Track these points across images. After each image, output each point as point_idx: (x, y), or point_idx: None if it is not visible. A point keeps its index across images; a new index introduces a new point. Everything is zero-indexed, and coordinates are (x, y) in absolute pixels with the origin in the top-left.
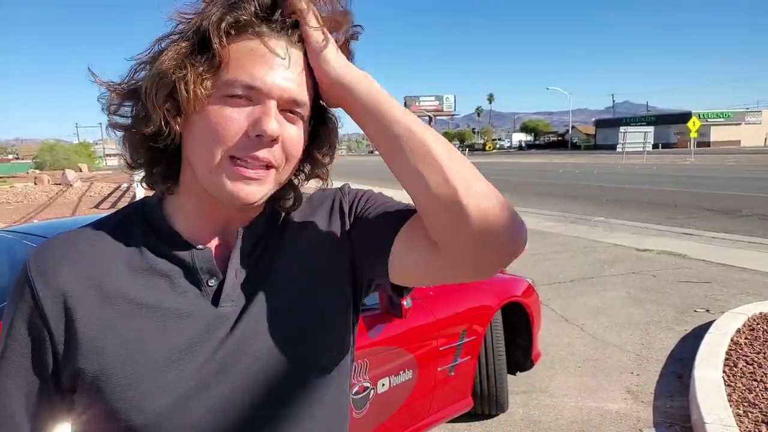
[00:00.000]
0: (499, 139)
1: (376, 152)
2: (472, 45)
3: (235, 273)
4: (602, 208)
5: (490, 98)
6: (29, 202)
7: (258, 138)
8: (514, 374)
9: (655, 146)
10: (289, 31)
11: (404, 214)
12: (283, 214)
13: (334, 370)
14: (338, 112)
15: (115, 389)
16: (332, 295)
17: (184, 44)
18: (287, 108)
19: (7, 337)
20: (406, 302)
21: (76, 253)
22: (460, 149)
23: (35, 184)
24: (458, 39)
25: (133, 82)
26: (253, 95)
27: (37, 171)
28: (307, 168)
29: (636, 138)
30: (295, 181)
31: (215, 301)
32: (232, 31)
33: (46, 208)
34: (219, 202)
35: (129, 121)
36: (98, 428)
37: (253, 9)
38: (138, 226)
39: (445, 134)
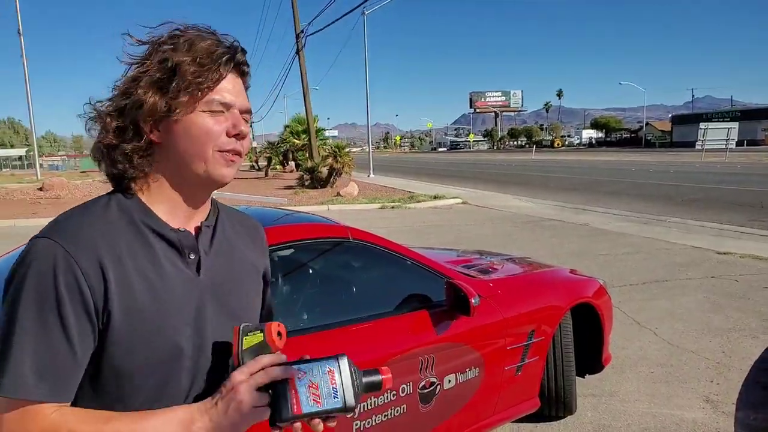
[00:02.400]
0: (568, 136)
1: (440, 149)
2: (541, 39)
3: (205, 252)
4: (678, 208)
5: (560, 94)
6: None
7: (236, 136)
8: (583, 377)
9: (739, 143)
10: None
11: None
12: (217, 213)
13: None
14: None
15: (140, 327)
16: (255, 285)
17: (158, 75)
18: (245, 115)
19: (44, 299)
20: (475, 300)
21: (92, 231)
22: (527, 146)
23: None
24: (527, 32)
25: (122, 106)
26: (226, 108)
27: None
28: None
29: (718, 135)
30: None
31: (197, 270)
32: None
33: None
34: (200, 186)
35: (112, 137)
36: (130, 359)
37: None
38: (125, 211)
39: (512, 131)
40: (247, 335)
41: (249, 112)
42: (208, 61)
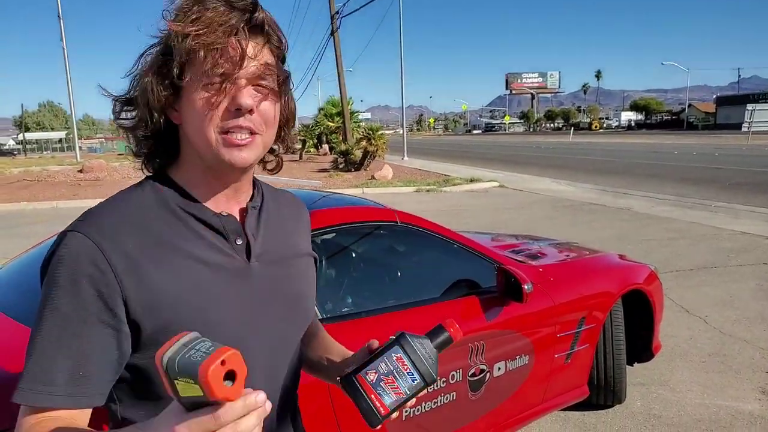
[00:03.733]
0: (607, 118)
1: (474, 132)
2: (579, 18)
3: (253, 236)
4: (725, 192)
5: (598, 75)
6: None
7: (237, 111)
8: (632, 365)
9: None
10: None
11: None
12: (262, 194)
13: (304, 325)
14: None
15: (190, 323)
16: (310, 276)
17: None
18: (255, 83)
19: (74, 297)
20: (528, 286)
21: (122, 221)
22: (565, 128)
23: None
24: (565, 11)
25: (134, 92)
26: (224, 79)
27: None
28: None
29: (766, 116)
30: (276, 148)
31: (247, 257)
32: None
33: None
34: (222, 170)
35: (132, 122)
36: None
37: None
38: (162, 197)
39: (549, 112)
40: (177, 379)
41: (262, 77)
42: (211, 32)
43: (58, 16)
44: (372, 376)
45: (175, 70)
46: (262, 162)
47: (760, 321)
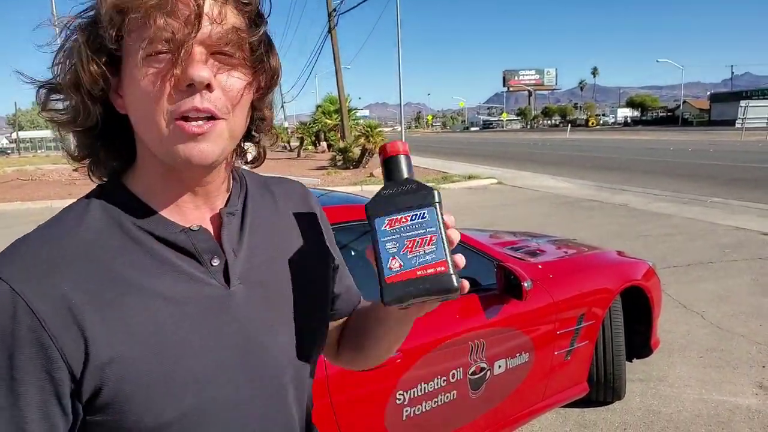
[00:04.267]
0: (603, 115)
1: (472, 129)
2: (575, 15)
3: (234, 252)
4: (720, 188)
5: (594, 72)
6: None
7: (191, 87)
8: (630, 361)
9: None
10: None
11: (355, 301)
12: (245, 191)
13: (319, 346)
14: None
15: (145, 389)
16: (319, 271)
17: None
18: (216, 51)
19: (8, 367)
20: (527, 284)
21: (58, 255)
22: (562, 125)
23: None
24: (561, 9)
25: (59, 73)
26: (174, 46)
27: None
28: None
29: (759, 113)
30: (256, 135)
31: (226, 280)
32: None
33: None
34: (183, 172)
35: (65, 115)
36: (146, 424)
37: None
38: (111, 214)
39: (546, 109)
40: None
41: (227, 42)
42: None
43: (52, 14)
44: (396, 265)
45: (108, 35)
46: (239, 152)
47: (756, 316)
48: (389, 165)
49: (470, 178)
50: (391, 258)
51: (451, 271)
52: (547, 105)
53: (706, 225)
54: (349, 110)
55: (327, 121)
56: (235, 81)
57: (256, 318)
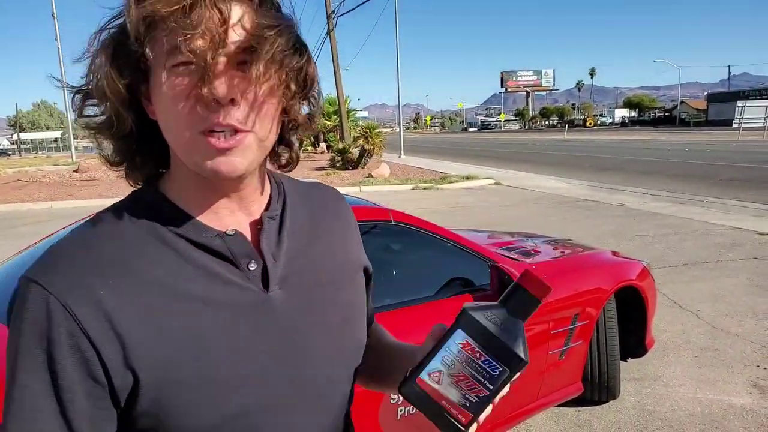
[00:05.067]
0: (601, 115)
1: (471, 129)
2: (573, 16)
3: (273, 257)
4: (716, 188)
5: (592, 72)
6: None
7: (215, 102)
8: (625, 360)
9: None
10: None
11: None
12: (284, 196)
13: (358, 353)
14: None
15: (184, 393)
16: (357, 284)
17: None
18: (242, 61)
19: (48, 371)
20: None
21: (94, 260)
22: (559, 125)
23: None
24: (559, 10)
25: (91, 79)
26: (197, 59)
27: None
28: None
29: (756, 113)
30: (293, 141)
31: (264, 285)
32: None
33: None
34: (214, 181)
35: (101, 121)
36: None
37: None
38: (146, 219)
39: (544, 110)
40: None
41: (250, 50)
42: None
43: (53, 15)
44: (436, 377)
45: (136, 45)
46: (274, 155)
47: (751, 315)
48: (522, 297)
49: (468, 178)
50: (437, 370)
51: (469, 428)
52: (545, 105)
53: (702, 225)
54: (348, 111)
55: (326, 122)
56: (261, 92)
57: (295, 322)
